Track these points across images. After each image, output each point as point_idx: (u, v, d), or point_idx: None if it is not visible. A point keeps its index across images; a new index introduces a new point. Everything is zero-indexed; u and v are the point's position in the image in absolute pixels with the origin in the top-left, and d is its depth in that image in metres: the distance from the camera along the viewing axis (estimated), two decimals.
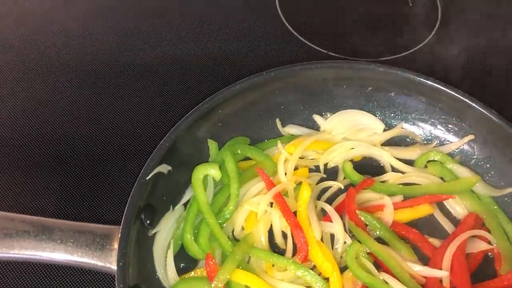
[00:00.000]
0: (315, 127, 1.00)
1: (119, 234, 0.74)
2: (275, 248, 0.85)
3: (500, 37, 1.17)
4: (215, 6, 1.24)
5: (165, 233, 0.83)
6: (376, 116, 0.98)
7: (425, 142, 0.98)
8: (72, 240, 0.73)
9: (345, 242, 0.84)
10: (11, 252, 0.72)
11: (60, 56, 1.13)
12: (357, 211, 0.86)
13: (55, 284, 0.85)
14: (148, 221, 0.81)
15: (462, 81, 1.03)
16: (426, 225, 0.88)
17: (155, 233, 0.83)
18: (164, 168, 0.84)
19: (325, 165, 0.95)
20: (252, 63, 1.14)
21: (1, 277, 0.85)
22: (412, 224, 0.87)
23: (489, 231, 0.86)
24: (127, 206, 0.76)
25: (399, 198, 0.90)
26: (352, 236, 0.85)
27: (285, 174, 0.90)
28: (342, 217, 0.86)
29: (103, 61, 1.13)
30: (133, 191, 0.78)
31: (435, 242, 0.85)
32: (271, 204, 0.88)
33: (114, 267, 0.72)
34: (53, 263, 0.74)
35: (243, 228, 0.87)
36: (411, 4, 1.26)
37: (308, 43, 1.16)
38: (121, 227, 0.74)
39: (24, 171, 0.96)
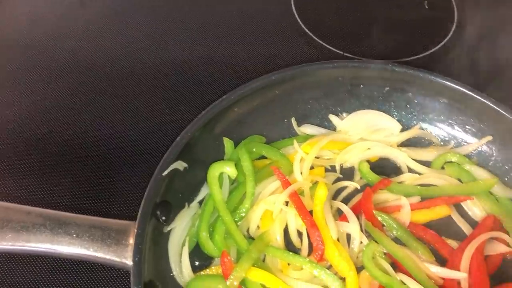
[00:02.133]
0: (331, 127, 0.99)
1: (135, 230, 0.74)
2: (290, 247, 0.85)
3: None
4: (230, 7, 1.24)
5: (181, 230, 0.83)
6: (393, 117, 0.97)
7: (442, 143, 0.97)
8: (87, 235, 0.73)
9: (361, 242, 0.83)
10: (27, 245, 0.71)
11: (75, 58, 1.14)
12: (374, 211, 0.85)
13: (69, 278, 0.85)
14: (163, 218, 0.81)
15: (480, 82, 1.02)
16: (443, 227, 0.87)
17: (170, 230, 0.82)
18: (180, 165, 0.83)
19: (341, 165, 0.94)
20: (267, 63, 1.13)
21: (14, 271, 0.85)
22: (429, 225, 0.86)
23: (508, 233, 0.84)
24: (143, 201, 0.76)
25: (416, 199, 0.89)
26: (369, 236, 0.84)
27: (301, 173, 0.89)
28: (358, 217, 0.85)
29: (118, 63, 1.13)
30: (149, 187, 0.78)
31: (453, 243, 0.84)
32: (287, 203, 0.87)
33: (129, 262, 0.72)
34: (68, 257, 0.74)
35: (258, 227, 0.86)
36: (427, 7, 1.25)
37: (323, 43, 1.16)
38: (137, 222, 0.74)
39: (40, 168, 0.97)
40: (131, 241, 0.73)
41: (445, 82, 0.91)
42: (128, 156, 0.99)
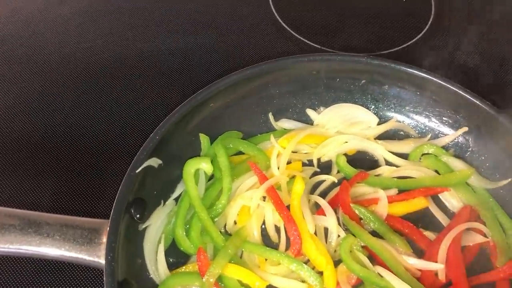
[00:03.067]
0: (308, 122, 0.98)
1: (108, 228, 0.72)
2: (268, 242, 0.84)
3: (492, 30, 1.17)
4: (207, 0, 1.23)
5: (156, 227, 0.82)
6: (370, 110, 0.97)
7: (419, 135, 0.97)
8: (59, 234, 0.71)
9: (339, 236, 0.83)
10: None
11: (54, 52, 1.12)
12: (351, 204, 0.85)
13: (45, 280, 0.83)
14: (138, 215, 0.80)
15: (456, 74, 1.02)
16: (421, 219, 0.87)
17: (145, 228, 0.81)
18: (155, 162, 0.82)
19: (319, 159, 0.93)
20: (244, 58, 1.12)
21: None
22: (407, 217, 0.86)
23: (484, 224, 0.84)
24: (116, 199, 0.75)
25: (393, 191, 0.88)
26: (346, 230, 0.83)
27: (278, 168, 0.89)
28: (336, 211, 0.85)
29: (96, 57, 1.12)
30: (122, 185, 0.77)
31: (430, 235, 0.84)
32: (264, 198, 0.86)
33: (102, 261, 0.71)
34: (40, 257, 0.72)
35: (235, 223, 0.85)
36: (404, 0, 1.25)
37: (301, 38, 1.15)
38: (109, 220, 0.73)
39: (15, 166, 0.95)
40: (104, 239, 0.72)
41: (421, 74, 0.91)
42: (109, 153, 0.97)
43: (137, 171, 0.78)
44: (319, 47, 1.14)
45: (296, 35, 1.16)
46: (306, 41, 1.15)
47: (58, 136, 0.99)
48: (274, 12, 1.20)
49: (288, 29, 1.17)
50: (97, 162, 0.96)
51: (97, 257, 0.71)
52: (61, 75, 1.08)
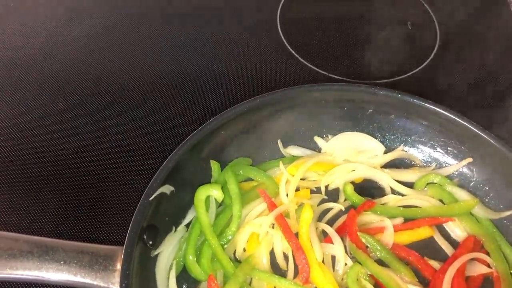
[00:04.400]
0: (316, 149, 1.01)
1: (122, 255, 0.74)
2: (276, 270, 0.86)
3: (496, 59, 1.20)
4: (215, 27, 1.26)
5: (168, 254, 0.84)
6: (377, 138, 0.99)
7: (424, 164, 0.99)
8: (75, 261, 0.73)
9: (346, 264, 0.85)
10: (14, 272, 0.72)
11: (64, 75, 1.14)
12: (358, 233, 0.87)
13: None
14: (150, 242, 0.81)
15: (460, 103, 1.05)
16: (426, 248, 0.88)
17: (157, 254, 0.83)
18: (167, 189, 0.84)
19: (326, 186, 0.96)
20: (253, 84, 1.15)
21: None
22: (412, 246, 0.88)
23: (488, 254, 0.86)
24: (130, 226, 0.77)
25: (399, 220, 0.90)
26: (353, 258, 0.85)
27: (287, 195, 0.91)
28: (343, 239, 0.87)
29: (106, 81, 1.14)
30: (136, 212, 0.79)
31: (435, 264, 0.86)
32: (273, 226, 0.88)
33: None
34: (56, 284, 0.74)
35: (244, 250, 0.87)
36: (410, 28, 1.28)
37: (309, 65, 1.18)
38: (124, 247, 0.75)
39: (25, 191, 0.96)
40: (119, 266, 0.74)
41: (426, 105, 0.93)
42: (116, 178, 0.99)
43: (150, 199, 0.80)
44: (326, 73, 1.17)
45: (305, 62, 1.19)
46: (314, 68, 1.18)
47: (66, 161, 1.01)
48: (283, 39, 1.23)
49: (297, 56, 1.20)
50: (103, 187, 0.98)
51: (112, 284, 0.73)
52: (74, 97, 1.10)
